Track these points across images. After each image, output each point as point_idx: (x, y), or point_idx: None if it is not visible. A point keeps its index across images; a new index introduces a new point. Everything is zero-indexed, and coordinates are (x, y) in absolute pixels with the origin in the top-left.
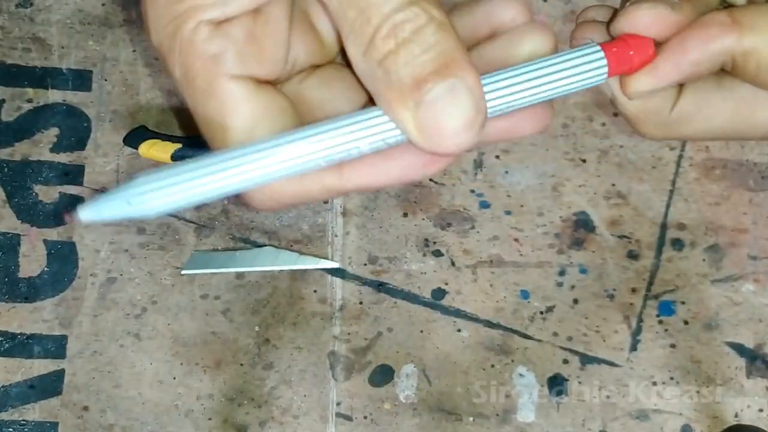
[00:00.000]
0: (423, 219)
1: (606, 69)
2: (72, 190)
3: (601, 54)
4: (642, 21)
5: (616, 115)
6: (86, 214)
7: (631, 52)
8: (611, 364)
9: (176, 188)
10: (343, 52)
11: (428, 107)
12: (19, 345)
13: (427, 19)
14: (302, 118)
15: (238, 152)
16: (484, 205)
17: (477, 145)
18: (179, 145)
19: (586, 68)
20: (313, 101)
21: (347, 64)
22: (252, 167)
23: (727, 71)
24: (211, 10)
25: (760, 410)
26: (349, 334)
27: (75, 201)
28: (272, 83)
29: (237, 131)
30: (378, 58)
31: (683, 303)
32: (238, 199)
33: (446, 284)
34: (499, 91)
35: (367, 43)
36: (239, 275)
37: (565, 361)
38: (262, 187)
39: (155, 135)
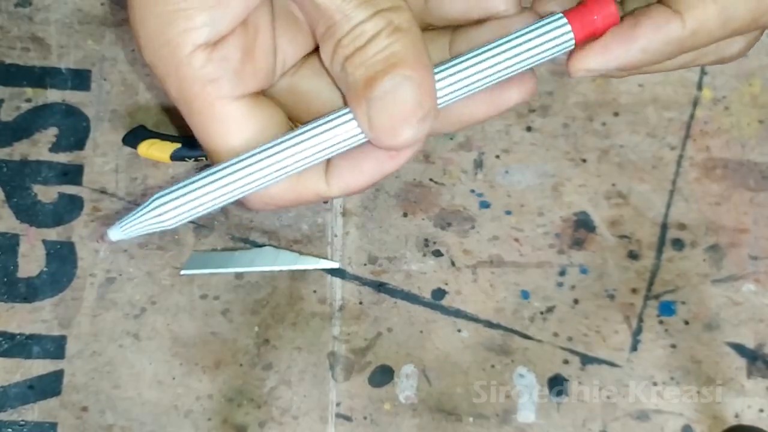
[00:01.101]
0: (423, 219)
1: (572, 37)
2: (71, 189)
3: (566, 23)
4: None
5: (616, 114)
6: (114, 233)
7: (595, 17)
8: (611, 364)
9: (185, 201)
10: None
11: (376, 103)
12: (18, 345)
13: (384, 25)
14: (298, 108)
15: (231, 165)
16: (484, 205)
17: (474, 122)
18: (178, 145)
19: (553, 39)
20: (308, 92)
21: None
22: (247, 177)
23: None
24: (203, 31)
25: (761, 410)
26: (348, 334)
27: (74, 201)
28: (264, 90)
29: (237, 149)
30: (340, 62)
31: (684, 303)
32: (238, 204)
33: (446, 284)
34: (468, 71)
35: (332, 50)
36: (238, 275)
37: (566, 362)
38: (259, 195)
39: (154, 134)
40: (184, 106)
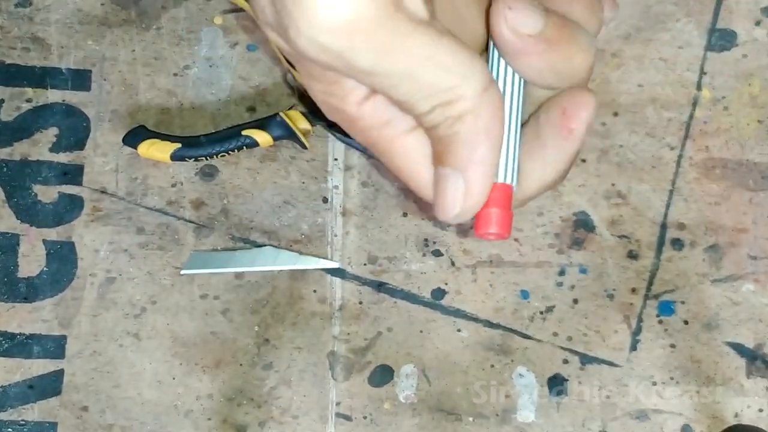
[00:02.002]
0: (423, 219)
1: None
2: (71, 189)
3: None
4: None
5: (616, 114)
6: None
7: None
8: (611, 364)
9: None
10: None
11: (436, 181)
12: (18, 345)
13: (440, 120)
14: None
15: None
16: None
17: None
18: (178, 145)
19: None
20: None
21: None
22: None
23: None
24: (358, 89)
25: (760, 410)
26: (348, 334)
27: (74, 201)
28: None
29: (427, 175)
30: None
31: (683, 303)
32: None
33: (446, 284)
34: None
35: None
36: (239, 275)
37: (565, 361)
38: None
39: (154, 135)
40: (376, 151)
